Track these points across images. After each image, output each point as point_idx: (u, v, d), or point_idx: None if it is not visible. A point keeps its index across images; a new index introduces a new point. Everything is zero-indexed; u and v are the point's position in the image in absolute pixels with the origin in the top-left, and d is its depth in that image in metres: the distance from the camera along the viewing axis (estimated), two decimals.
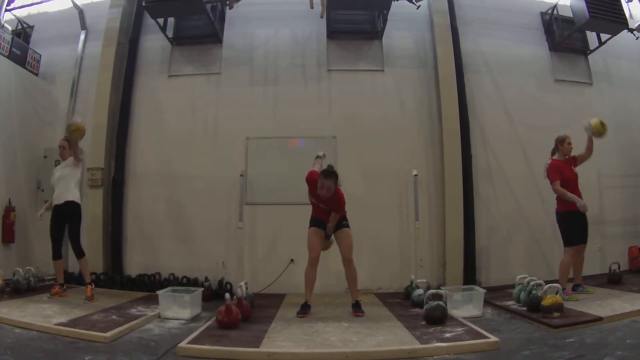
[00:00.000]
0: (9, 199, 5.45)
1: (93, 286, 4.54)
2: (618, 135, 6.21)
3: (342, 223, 4.07)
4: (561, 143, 4.47)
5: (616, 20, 5.71)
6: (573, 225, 4.30)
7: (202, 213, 5.64)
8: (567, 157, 4.47)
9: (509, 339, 3.06)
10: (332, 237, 4.13)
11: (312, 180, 4.00)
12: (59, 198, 4.57)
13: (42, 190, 5.89)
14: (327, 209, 4.03)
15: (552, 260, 5.25)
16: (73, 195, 4.60)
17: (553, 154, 4.55)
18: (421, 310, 3.68)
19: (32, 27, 6.61)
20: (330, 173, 3.82)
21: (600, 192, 5.94)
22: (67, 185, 4.59)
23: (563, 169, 4.38)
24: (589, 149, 4.46)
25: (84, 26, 6.39)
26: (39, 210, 4.91)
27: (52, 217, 4.61)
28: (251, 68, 6.07)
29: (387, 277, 5.44)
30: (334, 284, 4.85)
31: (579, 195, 4.33)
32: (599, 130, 4.34)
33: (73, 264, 5.13)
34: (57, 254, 4.61)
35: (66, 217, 4.57)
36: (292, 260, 5.40)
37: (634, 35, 6.08)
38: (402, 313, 3.99)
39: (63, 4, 6.49)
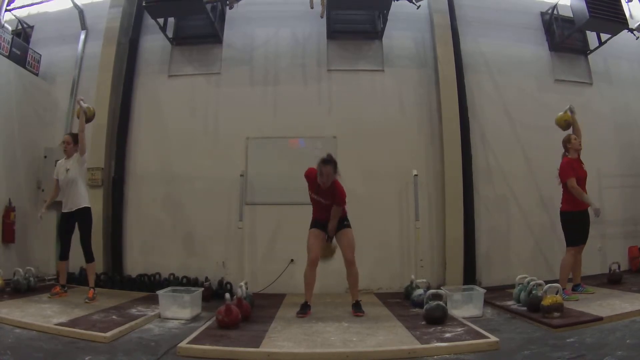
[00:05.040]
0: (9, 199, 5.45)
1: (96, 290, 4.53)
2: (618, 135, 6.23)
3: (344, 223, 4.05)
4: (568, 141, 4.45)
5: (616, 20, 5.71)
6: (579, 225, 4.29)
7: (202, 213, 5.64)
8: (579, 153, 4.43)
9: (509, 339, 3.06)
10: (335, 242, 4.10)
11: (311, 176, 4.01)
12: (70, 205, 4.51)
13: (42, 190, 5.89)
14: (328, 204, 4.00)
15: (552, 260, 5.26)
16: (84, 200, 4.54)
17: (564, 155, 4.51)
18: (421, 310, 3.69)
19: (32, 27, 6.61)
20: (328, 160, 3.86)
21: (600, 192, 5.92)
22: (77, 190, 4.51)
23: (576, 166, 4.35)
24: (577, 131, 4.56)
25: (84, 26, 6.38)
26: (39, 210, 4.82)
27: (62, 221, 4.59)
28: (251, 68, 6.07)
29: (387, 277, 5.45)
30: (334, 284, 4.85)
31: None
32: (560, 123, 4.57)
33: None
34: (64, 255, 4.60)
35: (77, 221, 4.54)
36: (292, 260, 5.40)
37: (634, 35, 6.08)
38: (402, 313, 3.99)
39: (63, 4, 6.49)
